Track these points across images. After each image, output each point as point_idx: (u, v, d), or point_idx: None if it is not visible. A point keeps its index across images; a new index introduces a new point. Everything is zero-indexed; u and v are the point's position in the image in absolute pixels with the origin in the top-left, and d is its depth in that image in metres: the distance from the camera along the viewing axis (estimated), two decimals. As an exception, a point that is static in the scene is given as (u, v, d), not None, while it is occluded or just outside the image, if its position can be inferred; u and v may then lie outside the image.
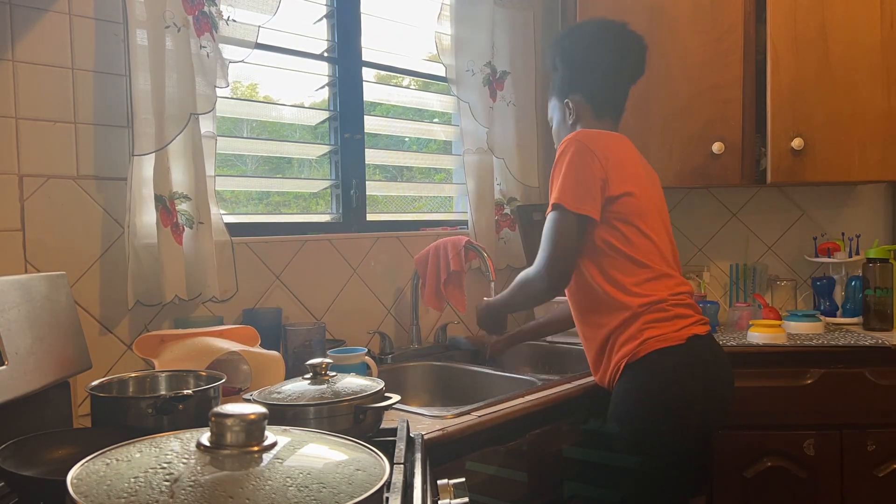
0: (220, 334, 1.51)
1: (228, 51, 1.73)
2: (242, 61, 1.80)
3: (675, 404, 1.55)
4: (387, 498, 0.86)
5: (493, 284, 2.07)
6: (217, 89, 1.69)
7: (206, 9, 1.66)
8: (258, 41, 1.80)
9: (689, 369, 1.58)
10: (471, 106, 2.37)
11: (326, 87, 2.16)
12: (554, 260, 1.59)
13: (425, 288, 2.11)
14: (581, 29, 1.83)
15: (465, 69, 2.35)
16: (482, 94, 2.39)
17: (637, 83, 1.77)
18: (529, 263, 2.56)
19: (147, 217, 1.61)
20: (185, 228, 1.67)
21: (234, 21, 1.75)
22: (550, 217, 1.61)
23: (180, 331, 1.52)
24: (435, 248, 2.11)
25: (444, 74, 2.46)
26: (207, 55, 1.67)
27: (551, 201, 1.61)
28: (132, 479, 0.64)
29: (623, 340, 1.60)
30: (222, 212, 1.78)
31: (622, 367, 1.59)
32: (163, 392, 1.27)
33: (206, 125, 1.71)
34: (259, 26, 1.79)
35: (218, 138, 1.75)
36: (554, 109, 1.87)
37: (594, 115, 1.78)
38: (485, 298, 1.94)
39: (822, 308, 2.57)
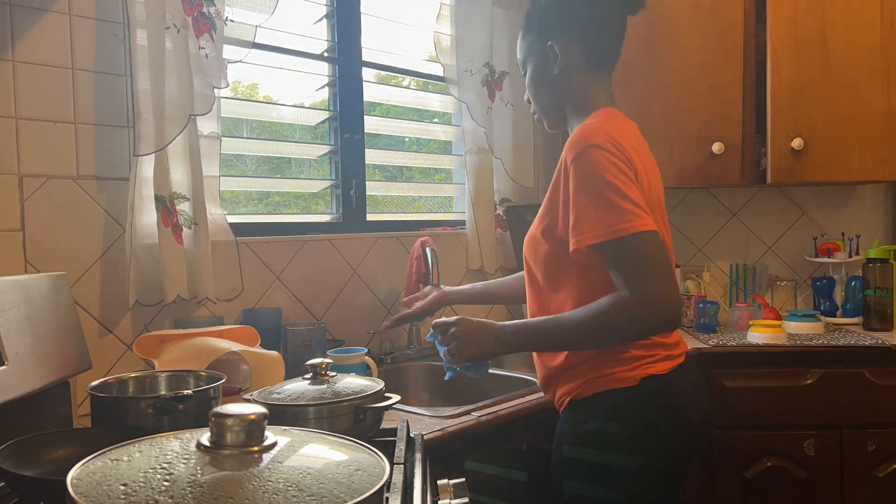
0: (220, 334, 1.51)
1: (228, 51, 1.73)
2: (240, 61, 1.80)
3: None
4: (387, 498, 0.86)
5: (434, 289, 1.84)
6: (216, 90, 1.69)
7: (205, 9, 1.67)
8: (256, 41, 1.81)
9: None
10: (469, 106, 2.37)
11: (326, 87, 2.17)
12: (668, 290, 1.22)
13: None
14: None
15: (463, 69, 2.35)
16: (481, 95, 2.39)
17: (637, 83, 1.73)
18: (518, 265, 2.56)
19: (148, 217, 1.61)
20: (184, 229, 1.67)
21: (232, 21, 1.75)
22: (632, 246, 1.22)
23: (180, 331, 1.52)
24: (413, 249, 2.09)
25: (443, 74, 2.46)
26: (206, 56, 1.67)
27: (624, 231, 1.21)
28: (132, 479, 0.64)
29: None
30: (225, 212, 1.77)
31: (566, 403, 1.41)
32: (163, 392, 1.27)
33: (209, 126, 1.71)
34: (257, 26, 1.79)
35: (220, 138, 1.75)
36: (529, 53, 1.46)
37: (587, 63, 1.41)
38: (490, 322, 1.43)
39: (822, 308, 2.57)
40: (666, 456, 1.34)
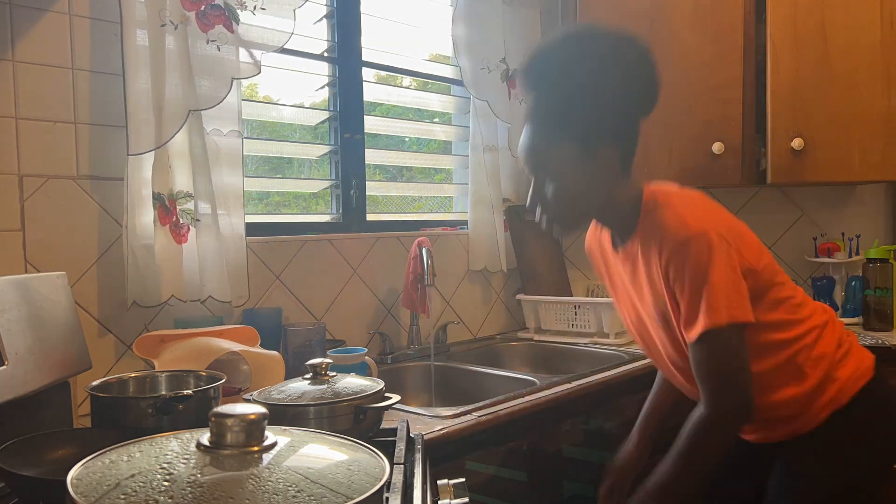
0: (220, 334, 1.51)
1: (252, 44, 1.72)
2: (259, 60, 1.77)
3: None
4: (387, 498, 0.86)
5: (428, 289, 1.97)
6: (235, 82, 1.68)
7: (218, 1, 1.65)
8: (256, 41, 1.79)
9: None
10: (490, 104, 2.36)
11: (326, 87, 2.17)
12: (731, 393, 1.24)
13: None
14: (595, 46, 1.32)
15: (480, 68, 2.35)
16: (501, 91, 2.39)
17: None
18: (520, 265, 2.55)
19: (146, 217, 1.60)
20: (190, 227, 1.66)
21: (263, 10, 1.74)
22: (714, 341, 1.22)
23: (180, 331, 1.52)
24: (411, 249, 2.10)
25: (444, 74, 2.46)
26: (218, 49, 1.65)
27: (703, 327, 1.21)
28: (132, 480, 0.64)
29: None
30: (237, 213, 1.77)
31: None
32: (163, 392, 1.27)
33: (230, 124, 1.71)
34: (291, 33, 1.79)
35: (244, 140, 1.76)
36: (564, 159, 1.31)
37: (622, 167, 1.35)
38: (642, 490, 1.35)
39: (822, 308, 2.57)
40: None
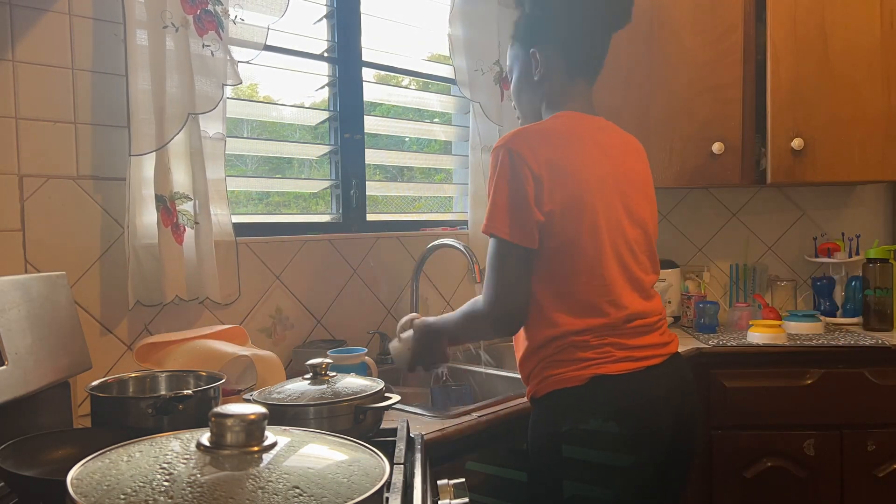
0: (213, 335, 1.52)
1: (236, 51, 1.72)
2: (249, 62, 1.79)
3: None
4: (387, 498, 0.86)
5: (476, 287, 1.94)
6: (225, 87, 1.68)
7: (210, 7, 1.66)
8: (256, 41, 1.80)
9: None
10: (482, 105, 2.37)
11: (326, 88, 2.16)
12: (497, 297, 1.36)
13: None
14: None
15: (474, 69, 2.35)
16: (493, 92, 2.39)
17: (637, 83, 1.73)
18: None
19: (147, 217, 1.60)
20: (186, 229, 1.67)
21: (242, 21, 1.74)
22: (491, 246, 1.37)
23: (174, 335, 1.51)
24: None
25: (444, 74, 2.45)
26: (212, 54, 1.66)
27: (484, 228, 1.37)
28: (132, 479, 0.64)
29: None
30: (223, 212, 1.77)
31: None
32: (163, 392, 1.27)
33: (214, 126, 1.71)
34: (268, 27, 1.78)
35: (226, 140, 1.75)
36: (515, 59, 1.55)
37: (566, 72, 1.48)
38: (420, 318, 1.62)
39: (822, 308, 2.57)
40: (623, 457, 1.33)
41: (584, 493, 1.34)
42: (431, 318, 1.57)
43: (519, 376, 1.87)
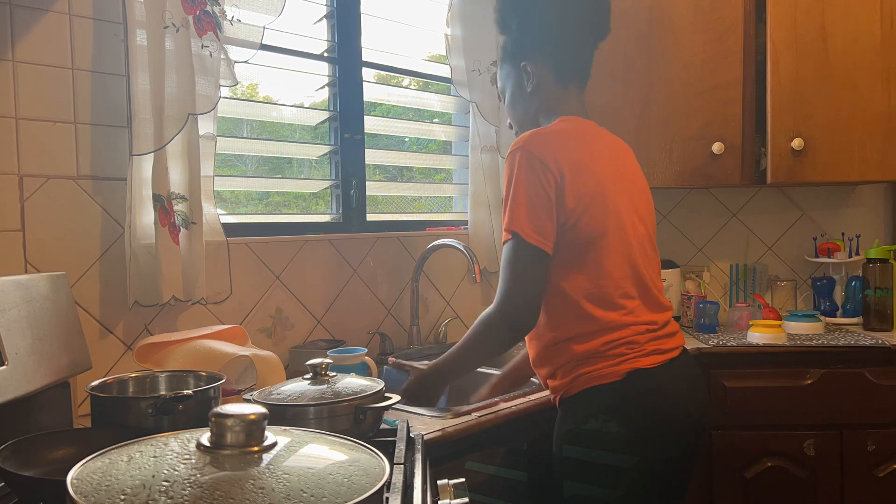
0: (213, 335, 1.52)
1: (234, 51, 1.73)
2: (247, 62, 1.79)
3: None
4: (387, 498, 0.86)
5: (476, 287, 2.00)
6: (223, 88, 1.69)
7: (208, 8, 1.66)
8: (262, 42, 1.80)
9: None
10: (479, 106, 2.37)
11: (326, 88, 2.17)
12: (512, 292, 1.38)
13: None
14: None
15: (471, 69, 2.35)
16: (490, 93, 2.39)
17: (637, 83, 1.74)
18: None
19: (146, 217, 1.61)
20: (181, 229, 1.67)
21: (239, 21, 1.74)
22: (507, 247, 1.39)
23: (174, 335, 1.51)
24: None
25: (444, 74, 2.45)
26: (210, 54, 1.66)
27: (505, 227, 1.40)
28: (132, 479, 0.64)
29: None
30: (220, 212, 1.77)
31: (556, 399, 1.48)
32: (163, 392, 1.27)
33: (206, 126, 1.71)
34: (264, 27, 1.79)
35: (218, 138, 1.75)
36: (507, 77, 1.61)
37: (557, 80, 1.54)
38: (416, 366, 1.70)
39: (822, 308, 2.57)
40: (656, 452, 1.35)
41: (621, 489, 1.35)
42: (426, 366, 1.59)
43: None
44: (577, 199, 1.37)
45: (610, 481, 1.35)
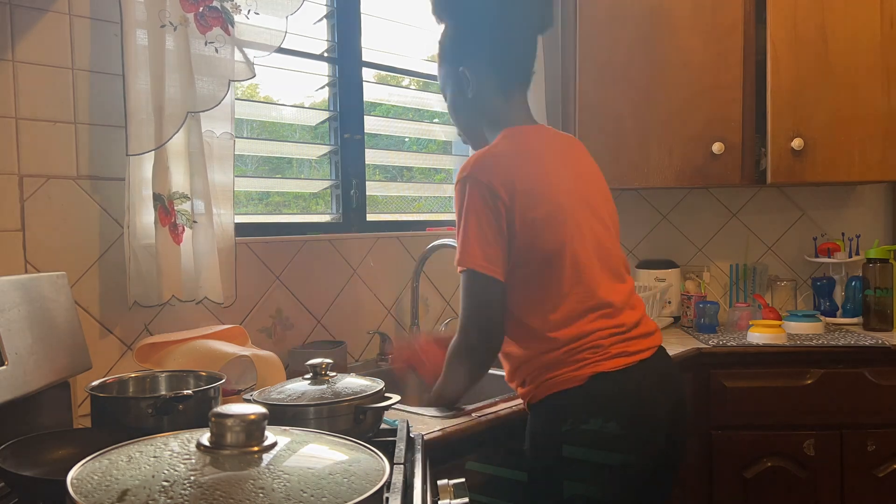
0: (213, 335, 1.52)
1: (251, 42, 1.72)
2: (268, 54, 1.77)
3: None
4: (387, 498, 0.86)
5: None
6: (232, 85, 1.68)
7: (215, 4, 1.65)
8: (257, 41, 1.79)
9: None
10: None
11: (326, 88, 2.17)
12: (470, 322, 1.38)
13: None
14: None
15: None
16: None
17: (638, 83, 1.72)
18: None
19: (146, 217, 1.60)
20: (185, 229, 1.67)
21: (257, 14, 1.73)
22: (463, 280, 1.38)
23: (174, 335, 1.51)
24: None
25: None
26: (216, 51, 1.65)
27: (456, 261, 1.37)
28: (132, 479, 0.64)
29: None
30: (227, 213, 1.76)
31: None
32: (163, 392, 1.27)
33: (223, 126, 1.70)
34: (287, 16, 1.77)
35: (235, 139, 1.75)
36: (446, 79, 1.53)
37: (499, 89, 1.47)
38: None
39: (822, 308, 2.57)
40: (618, 455, 1.34)
41: (588, 491, 1.34)
42: (432, 394, 1.58)
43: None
44: (530, 222, 1.35)
45: (579, 484, 1.34)
